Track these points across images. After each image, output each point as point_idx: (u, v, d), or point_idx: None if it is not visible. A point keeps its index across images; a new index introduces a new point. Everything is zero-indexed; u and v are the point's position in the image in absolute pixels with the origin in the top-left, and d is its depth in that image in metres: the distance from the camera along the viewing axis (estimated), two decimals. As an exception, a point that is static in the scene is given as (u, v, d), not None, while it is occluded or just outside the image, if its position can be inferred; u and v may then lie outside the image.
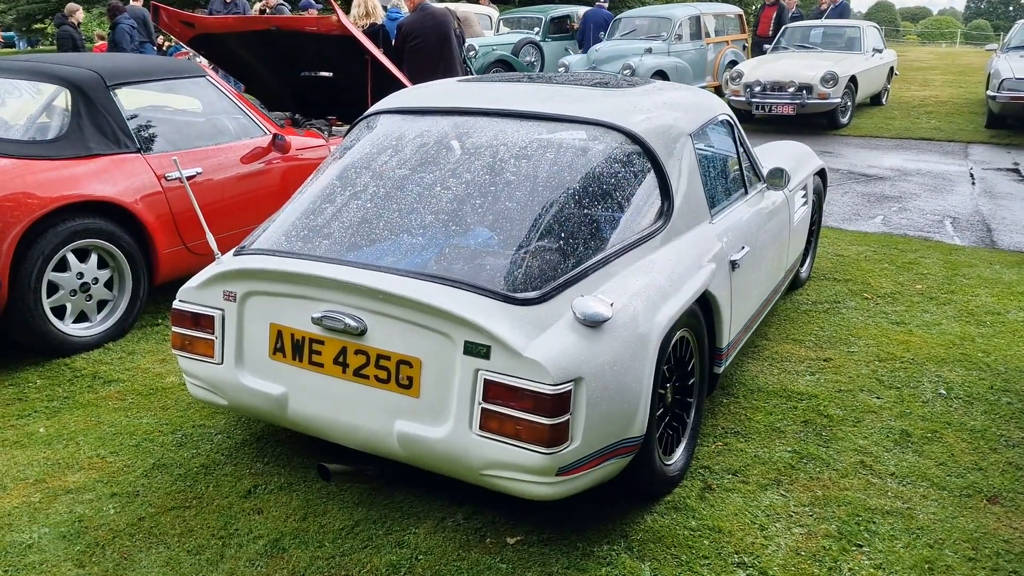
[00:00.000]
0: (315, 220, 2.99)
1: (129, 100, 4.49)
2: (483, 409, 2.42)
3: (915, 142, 10.70)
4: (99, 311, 4.31)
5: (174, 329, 3.01)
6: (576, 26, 15.68)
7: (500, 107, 3.21)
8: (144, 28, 12.49)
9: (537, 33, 14.92)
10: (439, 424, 2.52)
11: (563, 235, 2.71)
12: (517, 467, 2.41)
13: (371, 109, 3.54)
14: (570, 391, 2.36)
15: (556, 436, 2.35)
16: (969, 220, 6.90)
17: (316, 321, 2.65)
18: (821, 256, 5.71)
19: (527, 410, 2.36)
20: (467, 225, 2.80)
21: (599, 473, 2.52)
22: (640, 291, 2.68)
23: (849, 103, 11.62)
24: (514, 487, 2.46)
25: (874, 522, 2.76)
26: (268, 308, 2.79)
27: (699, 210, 3.16)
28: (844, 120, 11.64)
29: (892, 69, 13.64)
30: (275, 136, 5.03)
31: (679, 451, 3.00)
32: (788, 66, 11.65)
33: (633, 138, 3.00)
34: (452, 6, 11.61)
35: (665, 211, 2.96)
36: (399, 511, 2.83)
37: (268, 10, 10.87)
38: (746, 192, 3.74)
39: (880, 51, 12.88)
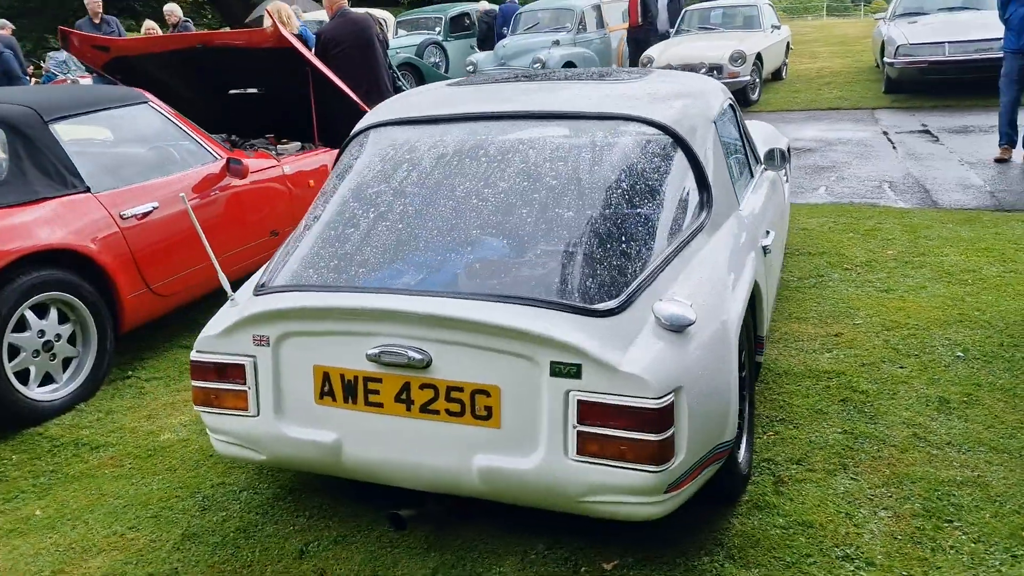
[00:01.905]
0: (342, 248, 2.75)
1: (69, 135, 4.08)
2: (579, 432, 2.26)
3: (824, 112, 11.04)
4: (64, 370, 3.91)
5: (195, 384, 2.71)
6: (472, 23, 15.56)
7: (519, 109, 3.04)
8: (16, 58, 11.62)
9: (439, 33, 14.69)
10: (527, 454, 2.34)
11: (621, 238, 2.56)
12: (623, 489, 2.26)
13: (363, 123, 3.30)
14: (672, 403, 2.22)
15: (664, 452, 2.22)
16: (905, 183, 7.13)
17: (373, 358, 2.42)
18: (787, 231, 5.77)
19: (630, 428, 2.21)
20: (517, 237, 2.62)
21: (698, 483, 2.40)
22: (707, 288, 2.57)
23: (757, 80, 11.92)
24: (620, 511, 2.31)
25: (953, 495, 2.74)
26: (310, 349, 2.54)
27: (730, 198, 3.08)
28: (754, 97, 11.92)
29: (788, 44, 14.08)
30: (229, 160, 4.69)
31: (743, 446, 2.91)
32: (695, 48, 11.85)
33: (664, 129, 2.88)
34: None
35: (705, 202, 2.86)
36: (475, 551, 2.63)
37: (172, 28, 10.26)
38: (752, 175, 3.70)
39: (777, 27, 13.28)
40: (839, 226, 5.89)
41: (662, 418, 2.20)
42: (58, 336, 3.83)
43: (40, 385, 3.79)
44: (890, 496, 2.76)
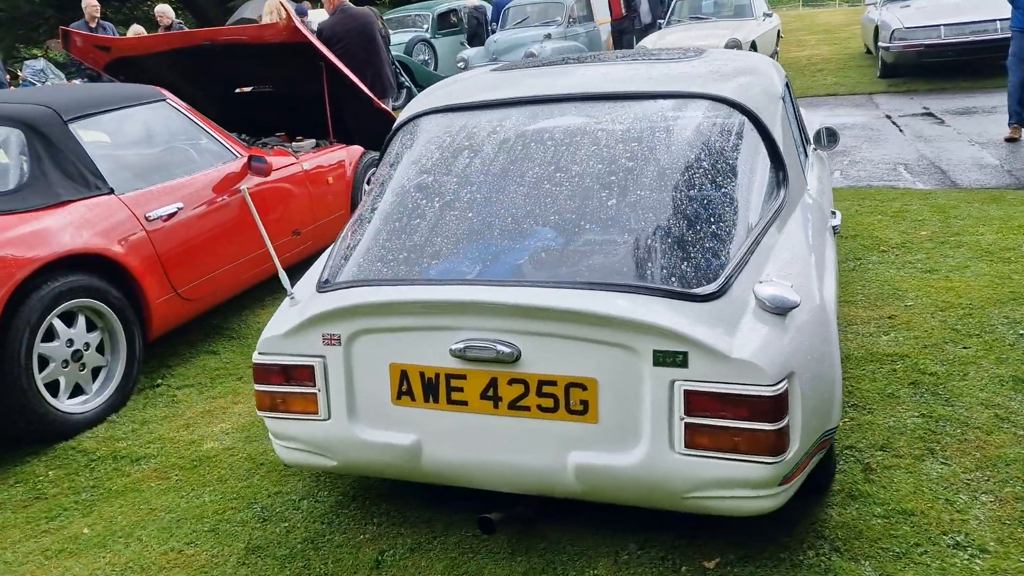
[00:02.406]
0: (409, 240, 2.61)
1: (89, 135, 3.90)
2: (687, 424, 2.14)
3: (822, 99, 10.98)
4: (93, 380, 3.73)
5: (259, 388, 2.56)
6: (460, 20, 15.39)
7: (581, 91, 2.90)
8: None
9: (426, 30, 14.52)
10: (628, 449, 2.21)
11: (708, 219, 2.44)
12: (736, 483, 2.14)
13: (410, 111, 3.15)
14: (787, 389, 2.10)
15: (781, 442, 2.10)
16: (919, 165, 7.06)
17: (457, 354, 2.28)
18: (814, 216, 5.68)
19: (744, 417, 2.09)
20: (597, 221, 2.49)
21: (806, 473, 2.29)
22: (799, 269, 2.45)
23: (752, 68, 11.85)
24: (731, 506, 2.19)
25: (1052, 476, 2.64)
26: (385, 347, 2.40)
27: (800, 178, 2.97)
28: (750, 85, 11.85)
29: (779, 32, 14.03)
30: (251, 158, 4.52)
31: (828, 434, 2.80)
32: (690, 38, 11.76)
33: (736, 106, 2.76)
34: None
35: (781, 181, 2.75)
36: (563, 553, 2.50)
37: (162, 30, 10.02)
38: (806, 155, 3.59)
39: (769, 15, 13.22)
40: (865, 209, 5.80)
41: (778, 406, 2.08)
42: (87, 345, 3.64)
43: (70, 397, 3.61)
44: (987, 480, 2.65)
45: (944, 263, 4.59)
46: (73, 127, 3.82)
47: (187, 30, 7.56)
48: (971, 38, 10.49)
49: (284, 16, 7.29)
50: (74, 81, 10.29)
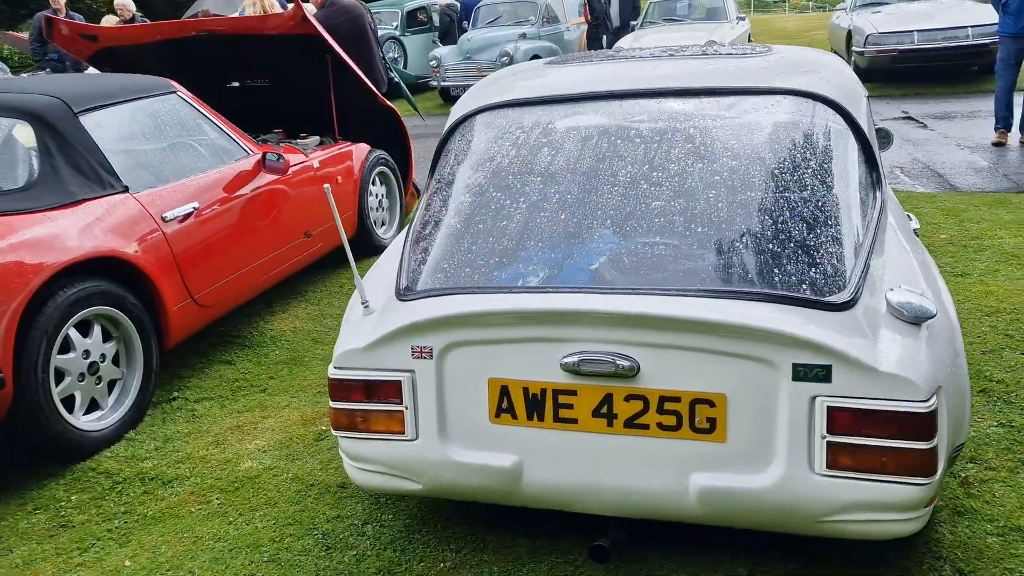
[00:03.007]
0: (499, 243, 2.41)
1: (100, 129, 3.60)
2: (828, 443, 1.99)
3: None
4: (109, 394, 3.44)
5: (335, 406, 2.34)
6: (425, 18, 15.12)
7: (661, 86, 2.74)
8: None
9: (396, 28, 14.23)
10: (760, 470, 2.06)
11: (824, 221, 2.29)
12: (881, 506, 2.00)
13: (469, 106, 2.94)
14: (937, 405, 1.97)
15: (932, 461, 1.96)
16: (915, 168, 7.09)
17: (570, 368, 2.10)
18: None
19: (893, 436, 1.95)
20: (711, 223, 2.31)
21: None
22: (916, 275, 2.33)
23: (729, 70, 11.86)
24: (871, 529, 2.05)
25: None
26: (484, 360, 2.20)
27: (883, 179, 2.85)
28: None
29: (749, 36, 14.10)
30: (265, 156, 4.25)
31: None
32: (667, 40, 11.70)
33: (831, 104, 2.63)
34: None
35: (876, 182, 2.63)
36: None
37: (121, 23, 9.56)
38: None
39: (742, 18, 13.27)
40: (878, 212, 5.76)
41: (930, 423, 1.95)
42: (103, 356, 3.36)
43: (85, 412, 3.32)
44: (1089, 492, 2.57)
45: (973, 267, 4.55)
46: (84, 120, 3.52)
47: (181, 19, 7.20)
48: (943, 44, 10.66)
49: (264, 8, 7.00)
50: (39, 73, 9.76)
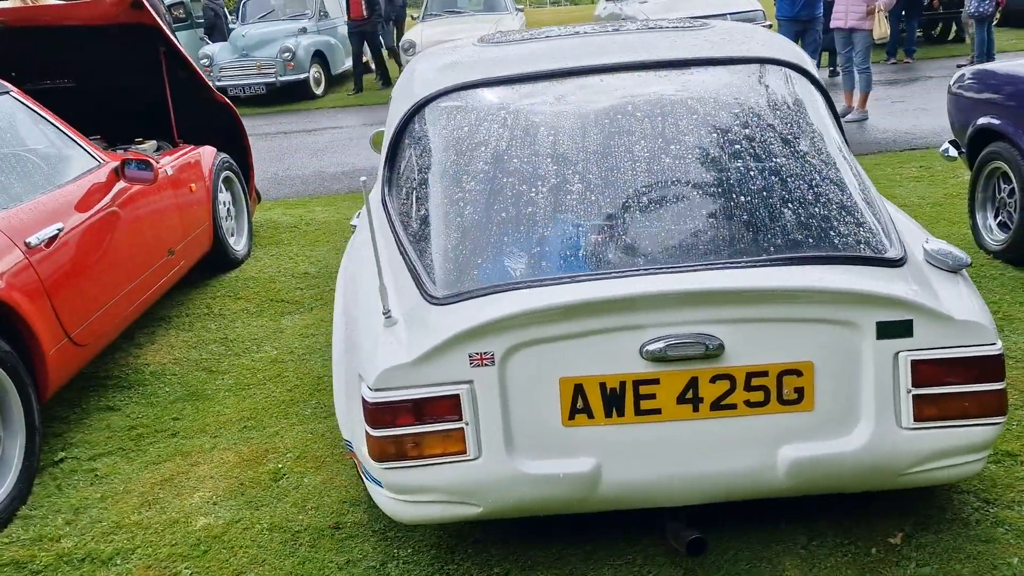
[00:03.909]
0: (534, 231, 2.20)
1: (-71, 139, 2.89)
2: (915, 397, 2.02)
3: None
4: (-13, 466, 2.78)
5: (378, 434, 2.03)
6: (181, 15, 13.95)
7: (639, 59, 2.66)
8: None
9: (155, 25, 12.97)
10: (847, 433, 2.05)
11: (845, 183, 2.33)
12: (963, 450, 2.07)
13: (437, 86, 2.67)
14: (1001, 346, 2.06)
15: (1004, 400, 2.06)
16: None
17: (655, 355, 1.96)
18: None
19: (972, 381, 2.02)
20: (749, 191, 2.25)
21: None
22: (912, 223, 2.47)
23: (517, 60, 12.07)
24: (948, 475, 2.12)
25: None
26: (552, 359, 2.01)
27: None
28: (516, 77, 12.07)
29: (524, 27, 14.47)
30: (125, 164, 3.65)
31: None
32: (456, 31, 11.64)
33: (803, 72, 2.70)
34: None
35: (844, 140, 2.72)
36: (742, 561, 2.26)
37: None
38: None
39: (520, 9, 13.58)
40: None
41: (1001, 364, 2.04)
42: (-21, 421, 2.71)
43: (-36, 494, 2.66)
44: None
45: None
46: (-91, 129, 2.80)
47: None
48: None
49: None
50: None
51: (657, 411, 2.03)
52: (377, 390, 2.01)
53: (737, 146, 2.38)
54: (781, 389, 2.02)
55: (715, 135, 2.41)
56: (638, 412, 2.03)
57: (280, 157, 8.62)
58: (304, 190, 7.20)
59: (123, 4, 4.21)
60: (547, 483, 2.06)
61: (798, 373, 2.02)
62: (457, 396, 2.00)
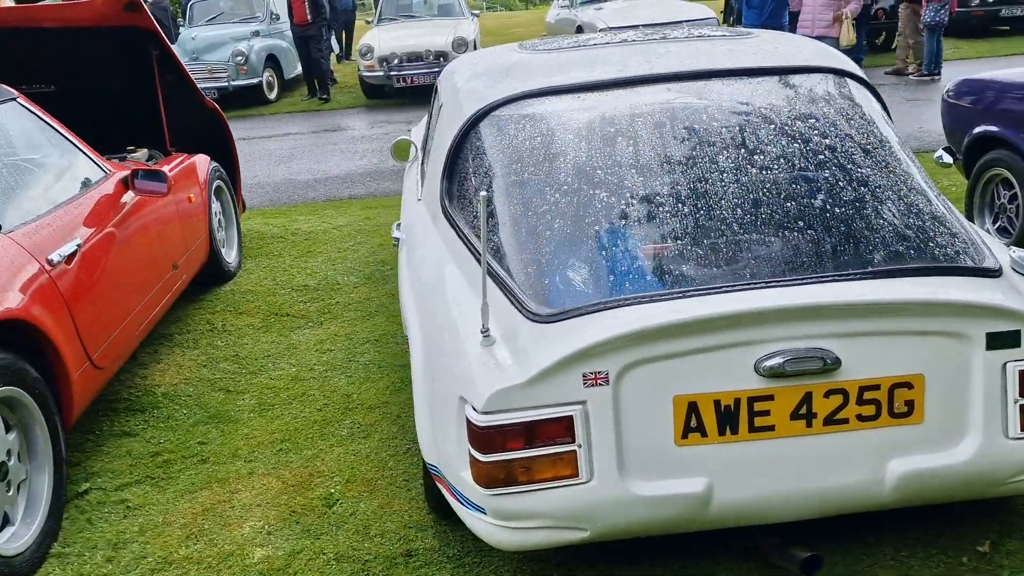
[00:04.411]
0: (632, 246, 2.15)
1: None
2: (1022, 407, 2.02)
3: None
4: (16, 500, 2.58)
5: (488, 459, 1.94)
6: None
7: (694, 68, 2.63)
8: None
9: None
10: (954, 445, 2.05)
11: (927, 190, 2.35)
12: (1063, 456, 2.08)
13: (493, 97, 2.59)
14: (1093, 352, 2.08)
15: (1099, 404, 2.08)
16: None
17: (773, 370, 1.92)
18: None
19: (1074, 388, 2.03)
20: (839, 204, 2.23)
21: None
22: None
23: (477, 66, 11.99)
24: (1046, 480, 2.13)
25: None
26: (667, 377, 1.95)
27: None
28: (475, 83, 11.99)
29: (479, 32, 14.40)
30: (136, 175, 3.46)
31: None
32: (414, 36, 11.58)
33: (861, 80, 2.71)
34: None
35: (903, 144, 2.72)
36: (844, 568, 2.24)
37: None
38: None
39: (476, 14, 13.51)
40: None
41: (1098, 370, 2.06)
42: (8, 453, 2.51)
43: (-3, 533, 2.46)
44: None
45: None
46: (-78, 139, 2.59)
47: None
48: (666, 36, 11.69)
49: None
50: None
51: (771, 428, 1.99)
52: (487, 413, 1.92)
53: (821, 156, 2.37)
54: (892, 402, 2.01)
55: (798, 145, 2.39)
56: (752, 429, 1.98)
57: (245, 164, 8.26)
58: (279, 198, 6.99)
59: (117, 5, 4.00)
60: (659, 505, 2.00)
61: (909, 386, 2.00)
62: (570, 417, 1.93)
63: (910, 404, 2.01)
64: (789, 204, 2.23)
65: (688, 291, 2.00)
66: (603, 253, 2.14)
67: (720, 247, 2.14)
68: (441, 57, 11.18)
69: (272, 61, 12.18)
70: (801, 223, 2.19)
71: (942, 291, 1.98)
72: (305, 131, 10.03)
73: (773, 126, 2.44)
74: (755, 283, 2.01)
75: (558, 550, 2.36)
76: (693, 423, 1.98)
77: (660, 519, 2.03)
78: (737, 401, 1.97)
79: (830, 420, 2.00)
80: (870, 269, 2.05)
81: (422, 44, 11.28)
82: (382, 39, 11.49)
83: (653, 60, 2.70)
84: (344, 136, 9.56)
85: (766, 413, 1.98)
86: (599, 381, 1.93)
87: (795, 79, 2.66)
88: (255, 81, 11.73)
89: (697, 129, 2.41)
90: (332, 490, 2.77)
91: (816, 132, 2.43)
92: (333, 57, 12.95)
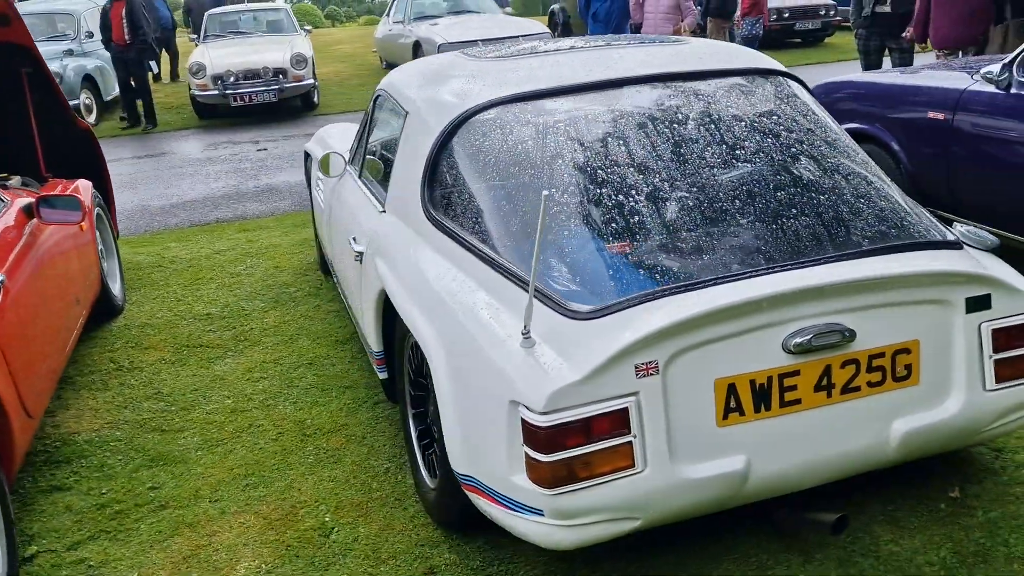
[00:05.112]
0: (652, 239, 2.23)
1: None
2: (995, 361, 2.28)
3: (393, 110, 11.36)
4: (-32, 576, 2.27)
5: (549, 459, 1.94)
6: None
7: (655, 72, 2.76)
8: None
9: None
10: (943, 401, 2.27)
11: (881, 177, 2.59)
12: (1032, 398, 2.35)
13: (473, 103, 2.59)
14: (1045, 309, 2.38)
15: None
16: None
17: (800, 347, 2.06)
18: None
19: (1035, 338, 2.32)
20: (824, 189, 2.42)
21: None
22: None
23: (316, 83, 11.72)
24: (1017, 426, 2.39)
25: None
26: (708, 362, 2.04)
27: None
28: (316, 100, 11.73)
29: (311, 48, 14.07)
30: (41, 202, 3.14)
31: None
32: (249, 53, 11.16)
33: (798, 80, 2.94)
34: None
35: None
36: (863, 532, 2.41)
37: None
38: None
39: (309, 31, 13.20)
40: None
41: (1053, 324, 2.35)
42: (-40, 520, 2.20)
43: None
44: None
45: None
46: None
47: None
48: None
49: None
50: None
51: (798, 401, 2.12)
52: (547, 412, 1.92)
53: (803, 149, 2.55)
54: (895, 367, 2.20)
55: (771, 140, 2.56)
56: (783, 404, 2.11)
57: (85, 193, 7.70)
58: (136, 226, 6.51)
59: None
60: (706, 486, 2.07)
61: (907, 351, 2.20)
62: (626, 409, 1.96)
63: (908, 368, 2.21)
64: (786, 194, 2.39)
65: (718, 279, 2.09)
66: (629, 247, 2.19)
67: (735, 235, 2.26)
68: (280, 74, 10.85)
69: (89, 82, 11.30)
70: (797, 211, 2.35)
71: (933, 263, 2.20)
72: (142, 155, 9.39)
73: (757, 123, 2.60)
74: (773, 267, 2.14)
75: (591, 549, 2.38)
76: (732, 403, 2.07)
77: (706, 500, 2.10)
78: (769, 379, 2.08)
79: (846, 389, 2.16)
80: (865, 248, 2.24)
81: (259, 61, 10.87)
82: (214, 57, 10.98)
83: (614, 65, 2.79)
84: (188, 159, 9.04)
85: (793, 388, 2.11)
86: (650, 371, 1.98)
87: (757, 81, 2.83)
88: (72, 103, 10.81)
89: (693, 126, 2.53)
90: (324, 519, 2.64)
91: (793, 128, 2.62)
92: (150, 77, 12.11)
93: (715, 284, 2.07)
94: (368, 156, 3.39)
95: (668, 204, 2.31)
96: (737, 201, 2.35)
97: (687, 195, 2.34)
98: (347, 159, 3.63)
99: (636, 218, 2.27)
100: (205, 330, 4.19)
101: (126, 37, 10.56)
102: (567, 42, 3.22)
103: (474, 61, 2.98)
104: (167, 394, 3.55)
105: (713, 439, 2.07)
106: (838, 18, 15.14)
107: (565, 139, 2.48)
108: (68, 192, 3.95)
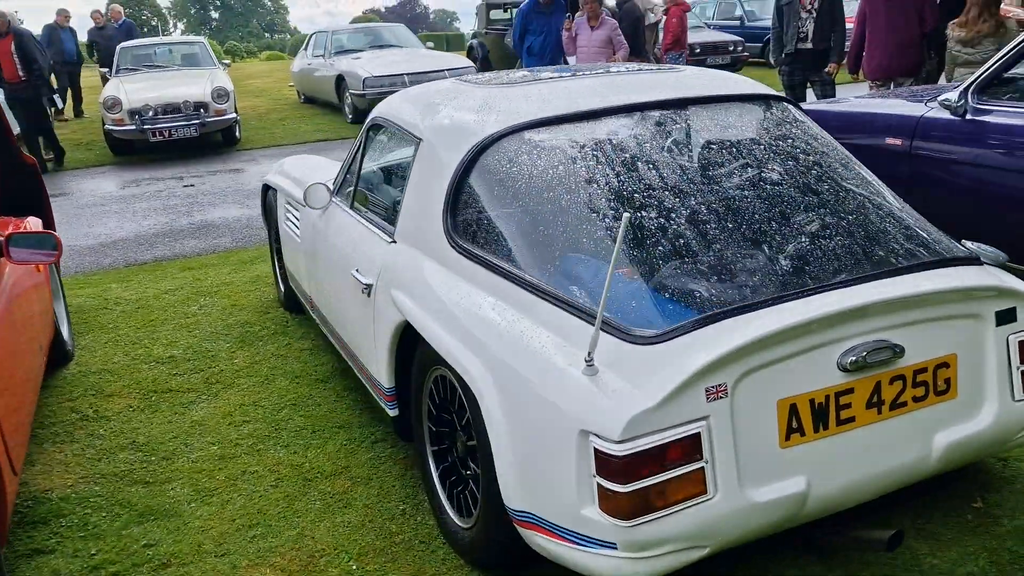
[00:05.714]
0: (701, 262, 2.22)
1: None
2: (1022, 372, 2.35)
3: (321, 144, 11.19)
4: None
5: (626, 489, 1.88)
6: None
7: (663, 98, 2.77)
8: None
9: None
10: (978, 413, 2.33)
11: (886, 196, 2.66)
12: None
13: (491, 130, 2.55)
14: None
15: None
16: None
17: (854, 365, 2.08)
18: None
19: (1061, 350, 2.40)
20: (850, 210, 2.47)
21: None
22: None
23: (238, 118, 11.42)
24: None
25: None
26: (771, 383, 2.04)
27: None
28: (238, 135, 11.42)
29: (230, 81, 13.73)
30: (11, 239, 2.89)
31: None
32: (167, 86, 10.80)
33: (796, 104, 3.01)
34: None
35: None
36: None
37: None
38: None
39: (227, 64, 12.88)
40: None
41: (1069, 333, 2.45)
42: (-38, 594, 1.97)
43: None
44: None
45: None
46: None
47: None
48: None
49: None
50: None
51: (852, 419, 2.13)
52: (624, 441, 1.86)
53: (815, 171, 2.60)
54: (936, 382, 2.24)
55: (792, 162, 2.60)
56: (838, 423, 2.11)
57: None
58: (67, 267, 6.12)
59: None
60: (771, 509, 2.05)
61: (947, 365, 2.25)
62: (698, 434, 1.93)
63: (947, 381, 2.26)
64: (818, 215, 2.42)
65: (771, 300, 2.09)
66: (680, 270, 2.17)
67: (776, 257, 2.26)
68: (201, 108, 10.53)
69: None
70: (831, 231, 2.38)
71: (968, 278, 2.26)
72: (57, 194, 8.88)
73: (776, 147, 2.64)
74: (820, 287, 2.15)
75: None
76: (794, 424, 2.06)
77: (769, 523, 2.07)
78: (827, 398, 2.09)
79: (894, 404, 2.18)
80: (901, 265, 2.28)
81: (179, 95, 10.53)
82: (129, 90, 10.58)
83: (629, 89, 2.79)
84: (110, 197, 8.62)
85: (848, 406, 2.12)
86: (720, 394, 1.95)
87: (763, 106, 2.89)
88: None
89: (718, 149, 2.54)
90: (349, 567, 2.49)
91: (809, 151, 2.67)
92: (52, 112, 11.49)
93: (770, 305, 2.07)
94: (360, 186, 3.28)
95: (710, 226, 2.31)
96: (774, 223, 2.37)
97: (726, 217, 2.35)
98: (332, 189, 3.50)
99: (681, 241, 2.26)
100: (171, 374, 3.95)
101: (20, 74, 9.78)
102: (566, 70, 3.22)
103: (480, 88, 2.93)
104: (143, 443, 3.31)
105: (776, 461, 2.05)
106: (746, 54, 15.85)
107: (596, 163, 2.45)
108: (22, 229, 3.68)
